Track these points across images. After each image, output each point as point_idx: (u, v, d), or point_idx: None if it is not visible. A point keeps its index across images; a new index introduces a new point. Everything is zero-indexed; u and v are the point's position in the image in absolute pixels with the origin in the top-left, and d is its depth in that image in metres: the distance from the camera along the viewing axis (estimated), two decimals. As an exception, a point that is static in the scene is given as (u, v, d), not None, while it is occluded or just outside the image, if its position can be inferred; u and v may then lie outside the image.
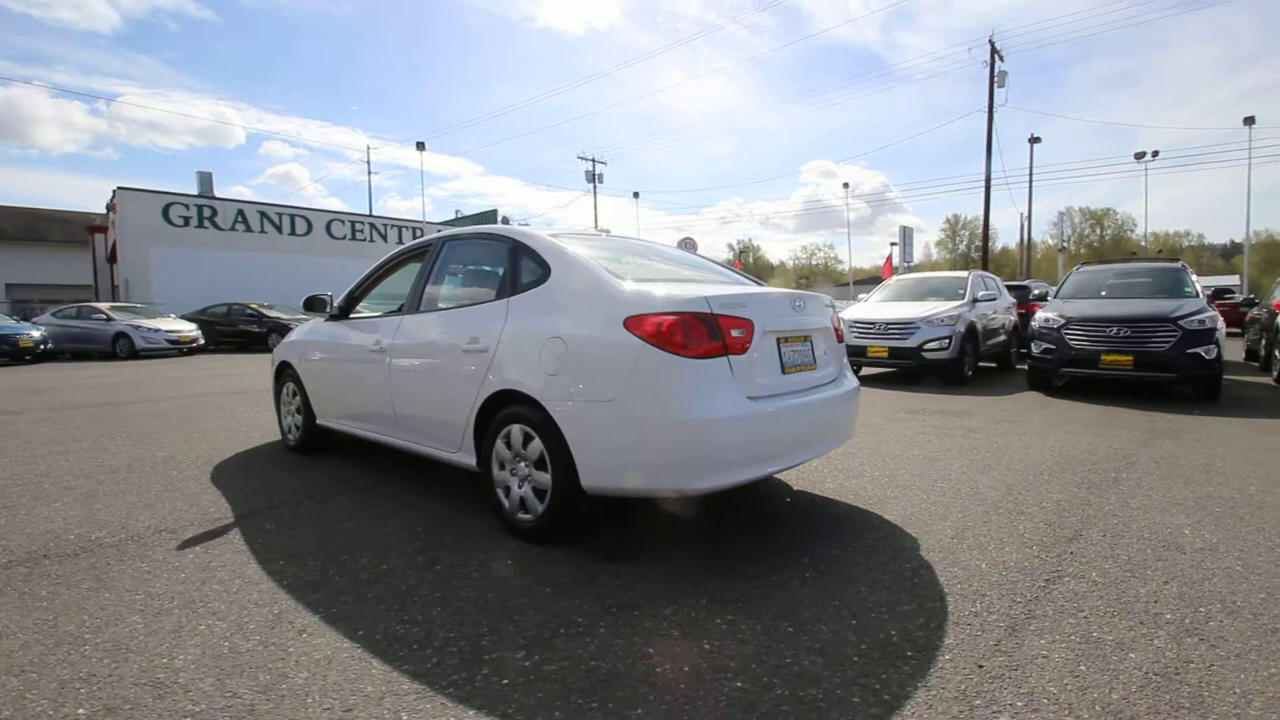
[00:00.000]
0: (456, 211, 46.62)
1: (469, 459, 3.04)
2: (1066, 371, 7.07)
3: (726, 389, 2.40)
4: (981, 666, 1.76)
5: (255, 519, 3.11)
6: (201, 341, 16.41)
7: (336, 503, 3.36)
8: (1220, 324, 6.57)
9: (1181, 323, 6.45)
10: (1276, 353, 8.00)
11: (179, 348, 15.74)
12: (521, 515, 2.76)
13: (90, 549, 2.74)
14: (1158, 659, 1.79)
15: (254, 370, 11.01)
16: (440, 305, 3.43)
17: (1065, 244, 49.60)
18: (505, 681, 1.72)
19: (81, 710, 1.62)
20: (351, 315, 4.11)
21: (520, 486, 2.76)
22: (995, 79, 28.39)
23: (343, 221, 25.26)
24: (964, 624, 2.00)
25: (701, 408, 2.33)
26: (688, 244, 21.93)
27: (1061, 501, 3.22)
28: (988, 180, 28.57)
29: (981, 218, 28.96)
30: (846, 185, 60.40)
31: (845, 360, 3.26)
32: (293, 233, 23.77)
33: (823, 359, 2.96)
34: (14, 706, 1.64)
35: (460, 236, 3.53)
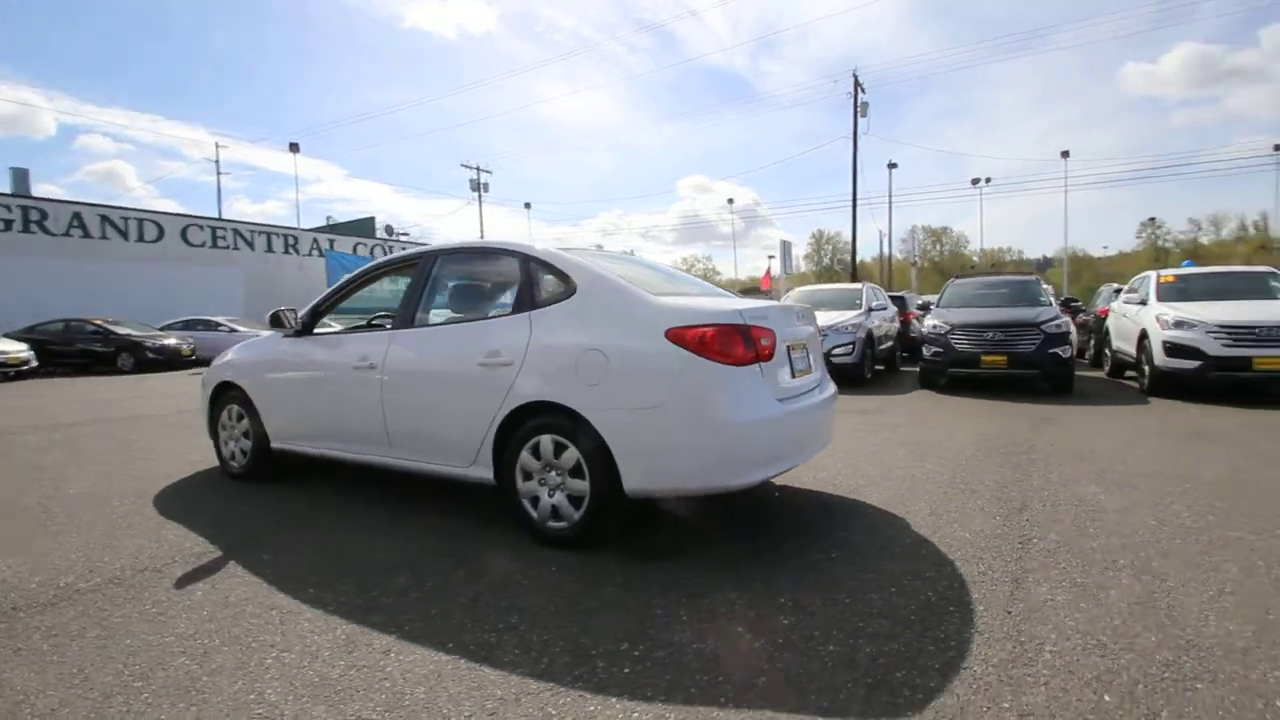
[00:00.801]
0: (328, 218, 43.65)
1: (485, 472, 3.05)
2: (953, 371, 8.07)
3: (761, 392, 2.65)
4: (1010, 612, 2.13)
5: (245, 550, 2.91)
6: (34, 364, 14.18)
7: (324, 528, 3.21)
8: (1072, 328, 7.84)
9: (1043, 327, 7.61)
10: (1106, 351, 9.60)
11: (4, 371, 13.50)
12: (553, 523, 2.83)
13: (68, 596, 2.46)
14: (1131, 593, 2.24)
15: (115, 394, 9.76)
16: (440, 320, 3.39)
17: (915, 259, 55.45)
18: (626, 670, 1.83)
19: (200, 751, 1.53)
20: (315, 332, 3.92)
21: (551, 495, 2.83)
22: (859, 109, 31.30)
23: (201, 227, 22.82)
24: (978, 582, 2.37)
25: (743, 410, 2.56)
26: None
27: (999, 480, 3.78)
28: (854, 200, 31.31)
29: (842, 233, 31.83)
30: (731, 201, 63.59)
31: (825, 367, 3.63)
32: (141, 239, 21.11)
33: (814, 364, 3.29)
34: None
35: (457, 251, 3.51)
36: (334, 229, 32.22)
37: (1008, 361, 7.66)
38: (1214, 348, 6.63)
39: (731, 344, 2.59)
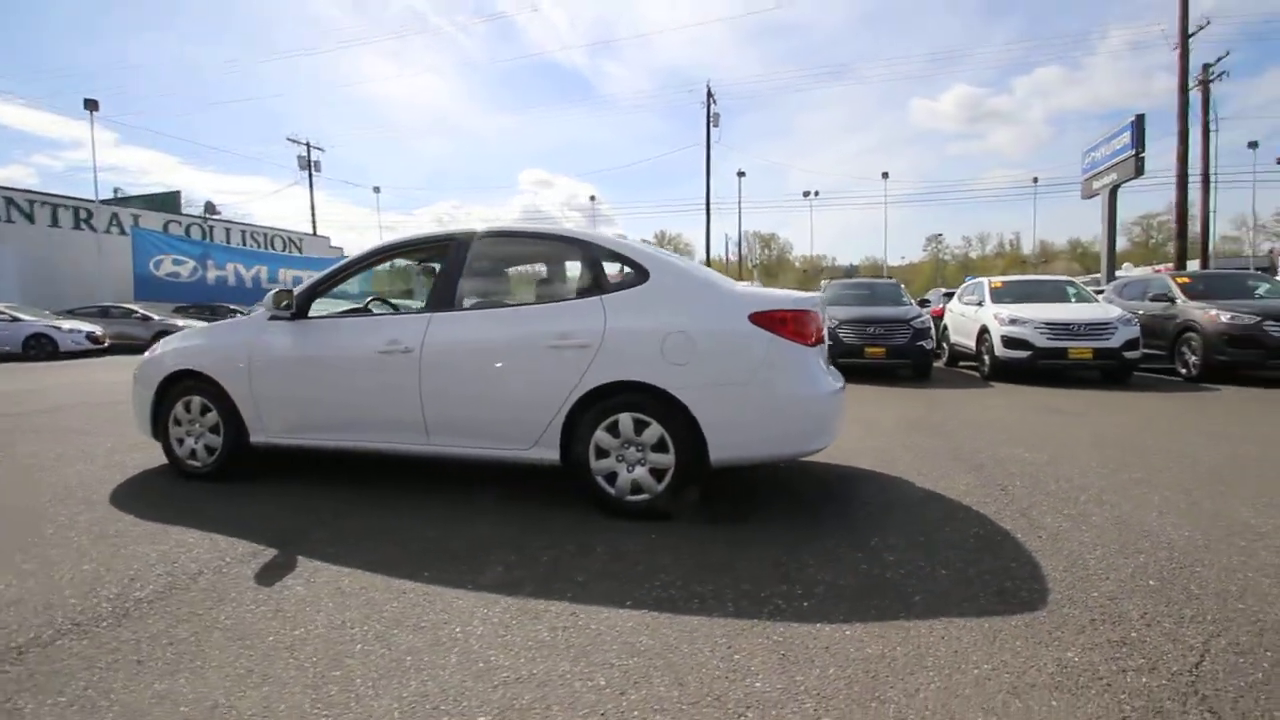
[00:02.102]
0: (115, 190, 37.20)
1: (548, 453, 3.11)
2: (842, 361, 9.17)
3: (823, 370, 3.04)
4: (1040, 537, 2.72)
5: (298, 545, 2.71)
6: None
7: (373, 517, 3.06)
8: (931, 324, 9.27)
9: (912, 323, 8.94)
10: (944, 345, 11.42)
11: None
12: (632, 497, 2.99)
13: (141, 608, 2.18)
14: (1107, 518, 2.95)
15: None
16: (483, 303, 3.34)
17: (755, 261, 60.29)
18: (806, 604, 2.12)
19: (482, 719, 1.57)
20: (310, 315, 3.64)
21: (631, 470, 2.99)
22: (710, 119, 33.30)
23: (-44, 194, 18.43)
24: (1000, 519, 2.95)
25: (817, 385, 2.94)
26: None
27: (943, 447, 4.55)
28: (708, 204, 33.28)
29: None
30: (594, 198, 63.21)
31: None
32: None
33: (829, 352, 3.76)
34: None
35: (500, 234, 3.47)
36: (126, 203, 27.53)
37: (885, 353, 8.88)
38: (1040, 340, 8.29)
39: (806, 327, 2.95)
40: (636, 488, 2.98)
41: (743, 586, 2.26)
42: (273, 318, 3.60)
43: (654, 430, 2.94)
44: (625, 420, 2.97)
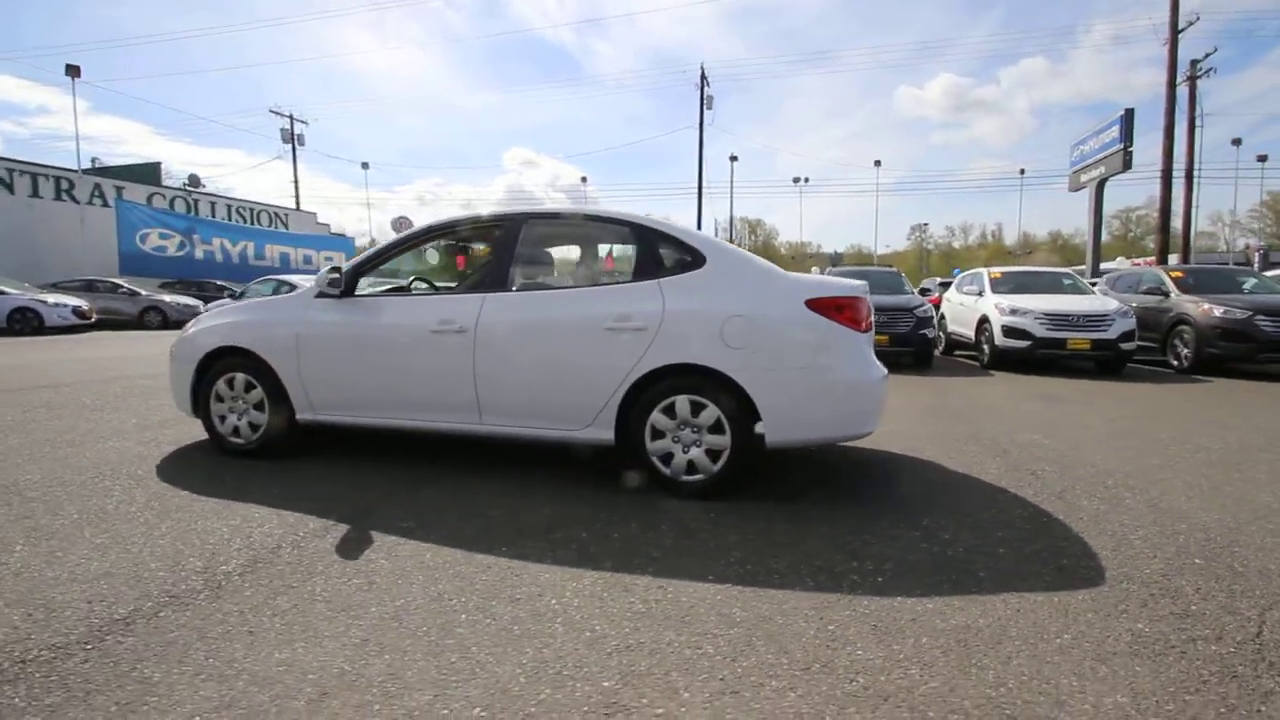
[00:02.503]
0: (94, 160, 36.04)
1: (602, 434, 3.18)
2: (846, 348, 9.32)
3: (873, 356, 3.14)
4: (1082, 519, 2.86)
5: (368, 521, 2.76)
6: None
7: (430, 496, 3.11)
8: (934, 312, 9.44)
9: (915, 311, 9.09)
10: (940, 334, 11.63)
11: None
12: (688, 477, 3.07)
13: (234, 583, 2.22)
14: (1139, 500, 3.10)
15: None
16: (535, 284, 3.38)
17: (745, 248, 60.71)
18: (880, 579, 2.22)
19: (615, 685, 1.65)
20: (357, 294, 3.65)
21: (686, 451, 3.07)
22: (704, 101, 33.11)
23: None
24: (1040, 501, 3.09)
25: (870, 370, 3.04)
26: (402, 223, 20.70)
27: (965, 433, 4.70)
28: (700, 188, 33.20)
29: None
30: (585, 179, 62.80)
31: None
32: None
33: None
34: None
35: (551, 216, 3.50)
36: (107, 173, 26.76)
37: (889, 340, 9.03)
38: (1040, 331, 8.50)
39: (859, 314, 3.04)
40: (692, 468, 3.07)
41: (815, 563, 2.36)
42: (320, 295, 3.61)
43: (711, 412, 3.02)
44: (682, 402, 3.05)
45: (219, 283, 20.18)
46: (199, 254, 21.76)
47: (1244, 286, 9.33)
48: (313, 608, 2.03)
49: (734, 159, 38.65)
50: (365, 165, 41.05)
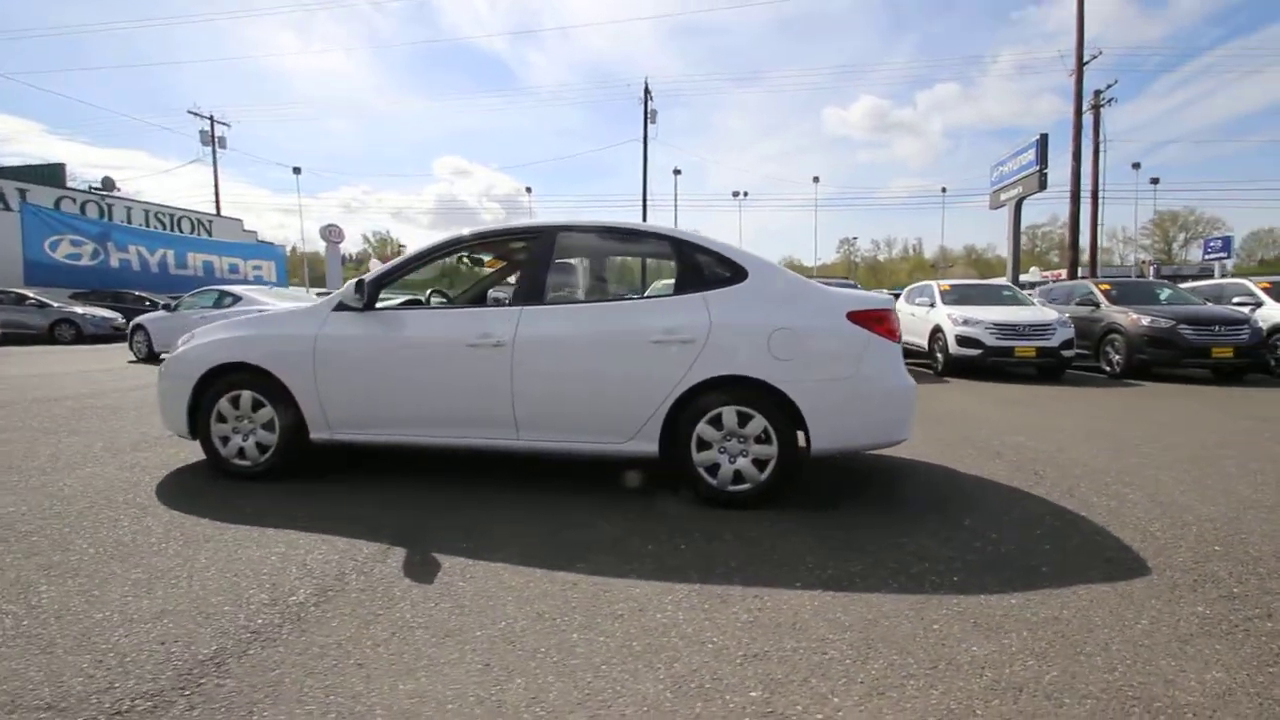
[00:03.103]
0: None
1: (646, 446, 3.19)
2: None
3: (904, 366, 3.29)
4: (1102, 514, 3.09)
5: (423, 543, 2.67)
6: None
7: (474, 515, 3.03)
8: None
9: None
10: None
11: None
12: (734, 487, 3.12)
13: (311, 613, 2.10)
14: (1141, 495, 3.38)
15: None
16: (571, 297, 3.36)
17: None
18: (933, 578, 2.34)
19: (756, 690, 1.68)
20: (378, 307, 3.52)
21: (733, 461, 3.12)
22: (648, 115, 33.55)
23: None
24: (1054, 500, 3.31)
25: (907, 379, 3.19)
26: (332, 232, 19.91)
27: (956, 437, 4.96)
28: (644, 201, 33.53)
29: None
30: (529, 190, 61.40)
31: None
32: None
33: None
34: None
35: (586, 229, 3.49)
36: (5, 174, 24.44)
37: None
38: (990, 339, 9.07)
39: (894, 325, 3.19)
40: (739, 478, 3.12)
41: (889, 565, 2.46)
42: (339, 308, 3.46)
43: (758, 422, 3.08)
44: (729, 413, 3.10)
45: (137, 293, 18.74)
46: (114, 262, 20.16)
47: (1160, 297, 10.28)
48: (413, 635, 1.95)
49: (678, 172, 39.26)
50: (297, 170, 38.73)
